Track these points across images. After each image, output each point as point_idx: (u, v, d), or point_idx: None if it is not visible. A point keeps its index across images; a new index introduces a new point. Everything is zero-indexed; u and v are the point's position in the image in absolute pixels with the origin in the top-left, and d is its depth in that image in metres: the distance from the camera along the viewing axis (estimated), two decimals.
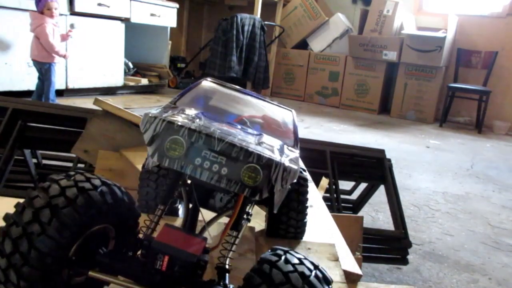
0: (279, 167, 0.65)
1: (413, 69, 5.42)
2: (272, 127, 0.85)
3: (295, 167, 0.67)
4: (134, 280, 0.68)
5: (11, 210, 0.66)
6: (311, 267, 0.65)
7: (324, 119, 4.90)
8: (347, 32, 5.82)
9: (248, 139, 0.69)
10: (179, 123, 0.66)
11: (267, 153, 0.66)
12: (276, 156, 0.67)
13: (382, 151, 1.98)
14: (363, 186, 2.18)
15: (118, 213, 0.71)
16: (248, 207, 0.87)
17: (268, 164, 0.65)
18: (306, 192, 1.01)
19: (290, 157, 0.71)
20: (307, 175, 1.04)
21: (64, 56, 3.57)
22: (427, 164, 3.47)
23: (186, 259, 0.66)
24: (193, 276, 0.68)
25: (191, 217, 0.78)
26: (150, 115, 0.67)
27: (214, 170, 0.65)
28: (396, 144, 4.02)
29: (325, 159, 1.89)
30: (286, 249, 0.68)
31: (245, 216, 0.86)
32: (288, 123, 0.88)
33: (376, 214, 2.32)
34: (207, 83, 0.92)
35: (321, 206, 1.33)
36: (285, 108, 0.95)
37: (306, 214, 1.04)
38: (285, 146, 0.76)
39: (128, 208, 0.73)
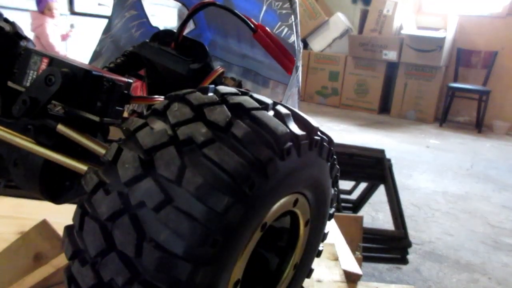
0: None
1: (413, 69, 5.42)
2: None
3: None
4: None
5: (11, 210, 0.66)
6: (269, 102, 0.38)
7: (324, 119, 4.90)
8: (347, 32, 5.82)
9: None
10: None
11: None
12: None
13: (382, 151, 1.98)
14: (363, 186, 2.18)
15: None
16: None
17: None
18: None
19: None
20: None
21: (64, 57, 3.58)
22: (427, 164, 3.47)
23: (69, 66, 0.49)
24: (88, 99, 0.50)
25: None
26: None
27: None
28: (396, 144, 4.02)
29: None
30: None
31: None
32: None
33: (376, 214, 2.32)
34: None
35: None
36: None
37: None
38: None
39: (6, 36, 0.55)
